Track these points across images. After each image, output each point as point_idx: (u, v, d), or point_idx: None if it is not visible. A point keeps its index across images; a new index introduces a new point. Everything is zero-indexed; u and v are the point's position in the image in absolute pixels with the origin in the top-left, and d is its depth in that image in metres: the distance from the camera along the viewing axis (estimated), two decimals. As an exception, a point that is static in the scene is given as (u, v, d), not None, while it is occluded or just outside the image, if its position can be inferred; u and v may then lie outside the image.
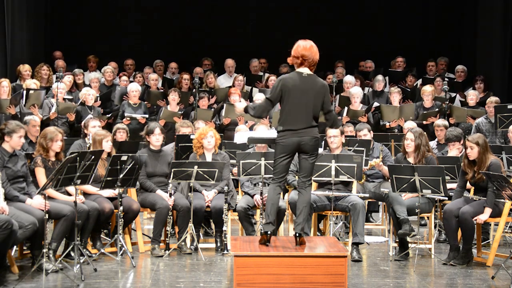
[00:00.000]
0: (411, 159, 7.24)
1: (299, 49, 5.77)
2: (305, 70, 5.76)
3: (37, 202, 6.21)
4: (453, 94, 11.06)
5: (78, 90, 10.95)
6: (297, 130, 5.70)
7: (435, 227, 7.77)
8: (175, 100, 10.24)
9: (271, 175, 5.93)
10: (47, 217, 5.94)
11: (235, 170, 7.64)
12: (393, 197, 6.96)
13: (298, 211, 5.80)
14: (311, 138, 5.73)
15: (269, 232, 5.74)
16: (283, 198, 7.78)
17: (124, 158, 6.66)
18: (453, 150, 7.95)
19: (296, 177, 7.25)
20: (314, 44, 5.82)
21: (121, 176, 6.66)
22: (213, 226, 7.71)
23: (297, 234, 5.73)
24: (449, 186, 7.03)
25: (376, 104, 10.57)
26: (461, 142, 7.87)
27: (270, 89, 5.85)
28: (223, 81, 11.94)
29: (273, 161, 5.87)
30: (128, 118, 10.02)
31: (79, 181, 6.08)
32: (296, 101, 5.70)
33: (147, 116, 10.19)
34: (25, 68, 10.46)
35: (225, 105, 10.10)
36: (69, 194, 6.66)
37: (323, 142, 7.95)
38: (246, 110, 5.94)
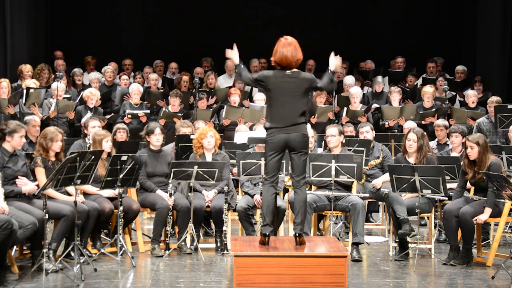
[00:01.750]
0: (411, 159, 7.25)
1: (277, 55, 5.77)
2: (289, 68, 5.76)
3: (30, 187, 6.23)
4: (454, 93, 11.06)
5: (76, 89, 10.93)
6: (284, 127, 5.68)
7: (435, 227, 7.77)
8: (175, 105, 10.20)
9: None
10: (47, 217, 5.94)
11: (235, 170, 7.63)
12: (393, 197, 6.96)
13: (296, 211, 5.80)
14: (299, 134, 5.70)
15: (267, 234, 5.73)
16: (283, 198, 7.78)
17: (124, 158, 6.66)
18: (454, 144, 7.92)
19: None
20: (294, 41, 5.78)
21: (121, 176, 6.65)
22: (213, 226, 7.71)
23: (297, 234, 5.73)
24: (449, 186, 7.03)
25: (376, 105, 10.56)
26: (463, 139, 7.86)
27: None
28: (223, 81, 11.94)
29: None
30: (129, 116, 9.98)
31: (79, 181, 6.09)
32: (280, 98, 5.70)
33: (148, 111, 10.16)
34: (27, 69, 10.42)
35: (225, 106, 10.07)
36: (69, 194, 6.66)
37: (323, 142, 7.94)
38: (236, 66, 6.02)
